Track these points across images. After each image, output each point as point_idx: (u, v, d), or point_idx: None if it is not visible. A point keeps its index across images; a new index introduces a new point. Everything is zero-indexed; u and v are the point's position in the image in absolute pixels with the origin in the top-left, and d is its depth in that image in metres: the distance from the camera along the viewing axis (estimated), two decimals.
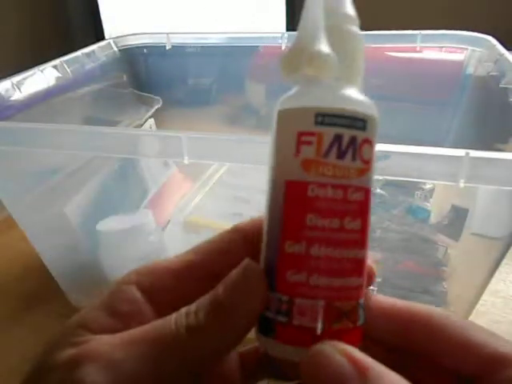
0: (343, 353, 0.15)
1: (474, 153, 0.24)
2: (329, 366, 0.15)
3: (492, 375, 0.16)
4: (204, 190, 0.55)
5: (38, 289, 0.52)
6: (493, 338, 0.17)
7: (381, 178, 0.47)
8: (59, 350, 0.17)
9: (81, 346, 0.17)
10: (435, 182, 0.29)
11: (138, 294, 0.19)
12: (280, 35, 0.58)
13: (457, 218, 0.39)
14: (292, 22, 1.22)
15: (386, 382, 0.14)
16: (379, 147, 0.27)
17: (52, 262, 0.48)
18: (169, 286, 0.19)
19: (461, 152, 0.24)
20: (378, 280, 0.40)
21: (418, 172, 0.27)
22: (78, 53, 0.55)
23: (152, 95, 0.59)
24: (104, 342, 0.17)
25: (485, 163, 0.24)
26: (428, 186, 0.49)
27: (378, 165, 0.27)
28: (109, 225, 0.46)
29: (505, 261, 0.51)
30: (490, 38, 0.49)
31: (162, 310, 0.18)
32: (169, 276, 0.19)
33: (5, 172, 0.42)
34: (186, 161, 0.30)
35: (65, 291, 0.49)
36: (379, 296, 0.19)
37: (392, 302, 0.19)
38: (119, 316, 0.18)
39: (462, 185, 0.25)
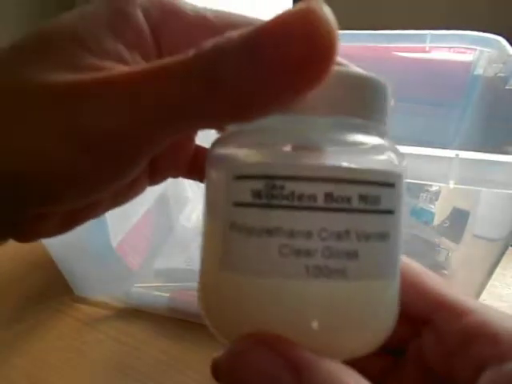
0: None
1: (463, 154, 0.24)
2: None
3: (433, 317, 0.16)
4: None
5: (42, 286, 0.52)
6: (442, 284, 0.17)
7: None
8: (51, 69, 0.12)
9: (90, 73, 0.12)
10: (427, 182, 0.29)
11: (144, 24, 0.15)
12: None
13: (458, 221, 0.39)
14: None
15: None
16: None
17: (60, 255, 0.49)
18: (177, 30, 0.15)
19: (451, 153, 0.24)
20: None
21: (410, 173, 0.27)
22: None
23: None
24: (122, 71, 0.12)
25: (475, 165, 0.24)
26: (434, 189, 0.48)
27: None
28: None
29: (510, 264, 0.51)
30: (499, 38, 0.48)
31: (162, 56, 0.15)
32: (180, 22, 0.15)
33: None
34: None
35: (70, 284, 0.50)
36: None
37: None
38: (125, 43, 0.14)
39: (451, 186, 0.25)
